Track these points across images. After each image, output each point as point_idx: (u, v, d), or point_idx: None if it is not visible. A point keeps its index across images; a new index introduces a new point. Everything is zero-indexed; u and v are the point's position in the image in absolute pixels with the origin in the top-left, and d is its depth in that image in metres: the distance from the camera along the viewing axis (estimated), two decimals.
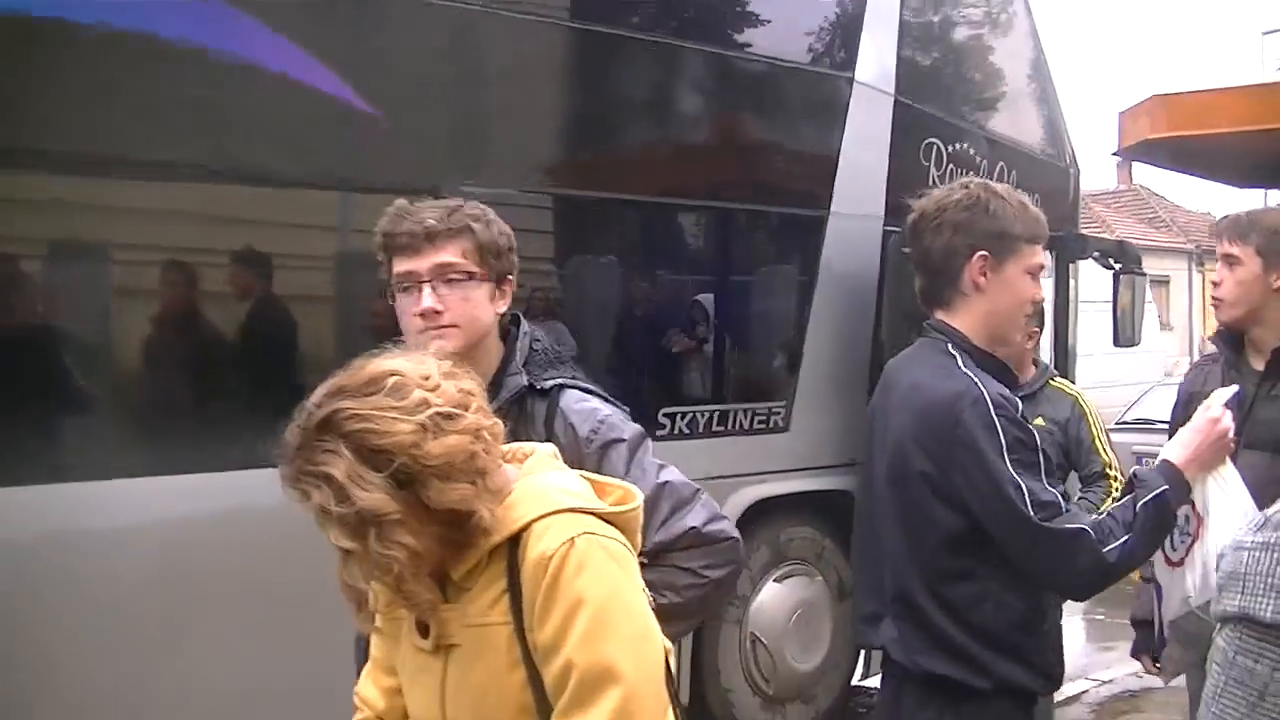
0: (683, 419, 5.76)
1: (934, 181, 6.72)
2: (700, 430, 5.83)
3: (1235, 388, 3.08)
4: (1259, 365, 3.59)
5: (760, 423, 6.08)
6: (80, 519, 4.06)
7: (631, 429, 2.69)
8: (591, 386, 2.76)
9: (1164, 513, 2.77)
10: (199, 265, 4.50)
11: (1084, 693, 7.48)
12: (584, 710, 1.89)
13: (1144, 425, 11.60)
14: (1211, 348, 3.95)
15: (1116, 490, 4.59)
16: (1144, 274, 8.39)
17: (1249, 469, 3.07)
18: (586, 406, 2.67)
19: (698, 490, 2.70)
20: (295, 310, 4.73)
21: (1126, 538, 2.71)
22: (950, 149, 6.94)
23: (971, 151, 7.11)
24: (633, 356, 5.86)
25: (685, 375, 6.04)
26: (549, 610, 1.92)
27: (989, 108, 7.70)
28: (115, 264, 4.44)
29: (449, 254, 2.59)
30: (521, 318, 2.80)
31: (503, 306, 2.71)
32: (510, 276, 2.69)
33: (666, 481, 2.64)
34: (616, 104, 5.89)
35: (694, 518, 2.62)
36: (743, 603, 6.13)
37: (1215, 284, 3.64)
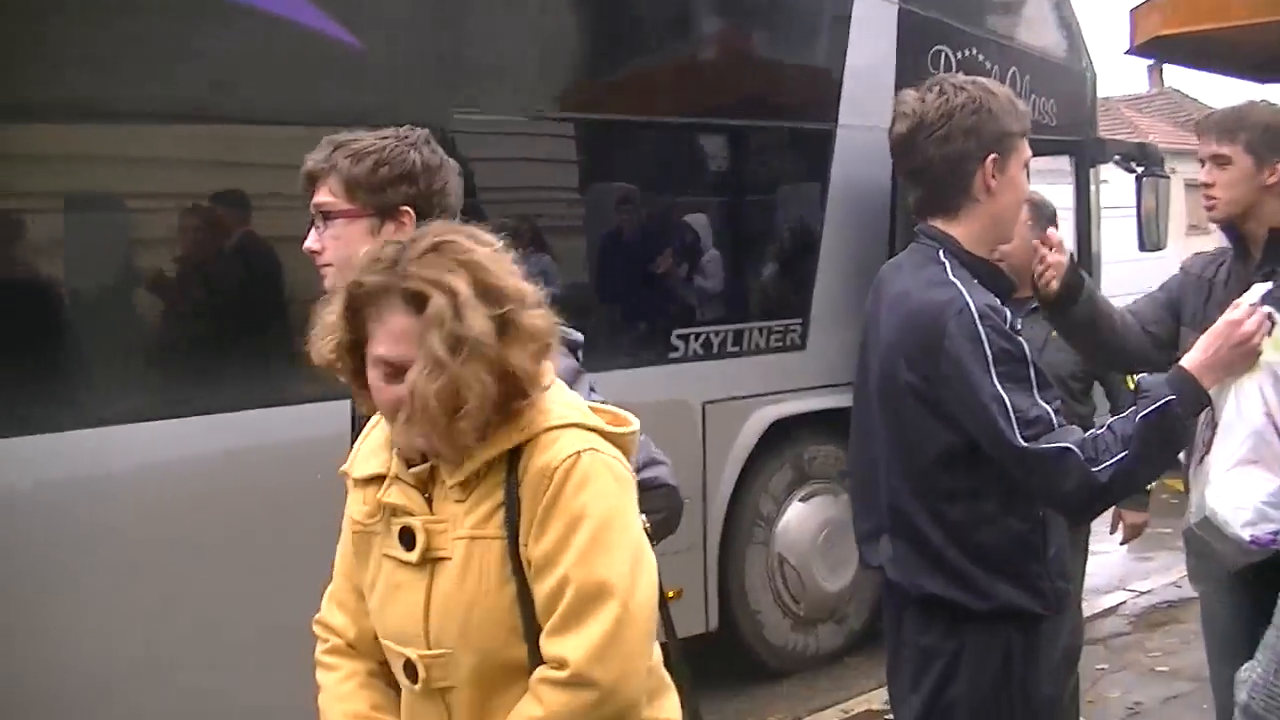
0: (696, 340, 5.69)
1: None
2: (715, 351, 5.76)
3: (1267, 286, 2.89)
4: (1256, 254, 3.48)
5: (777, 341, 6.00)
6: None
7: (566, 364, 2.49)
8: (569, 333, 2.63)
9: (1169, 424, 2.59)
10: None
11: (1121, 604, 7.36)
12: (578, 625, 1.85)
13: None
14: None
15: None
16: (1167, 176, 8.21)
17: None
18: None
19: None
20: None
21: (1123, 454, 2.54)
22: (959, 55, 6.79)
23: (981, 57, 6.94)
24: (642, 279, 5.76)
25: (697, 296, 5.94)
26: (548, 523, 1.88)
27: (999, 11, 7.52)
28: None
29: (321, 193, 2.58)
30: None
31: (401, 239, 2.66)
32: (404, 207, 2.55)
33: None
34: (617, 23, 5.77)
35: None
36: (768, 523, 6.07)
37: (1206, 185, 3.47)
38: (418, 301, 1.86)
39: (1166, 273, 3.72)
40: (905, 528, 2.78)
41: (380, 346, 1.90)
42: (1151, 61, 11.05)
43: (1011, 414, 2.54)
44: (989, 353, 2.57)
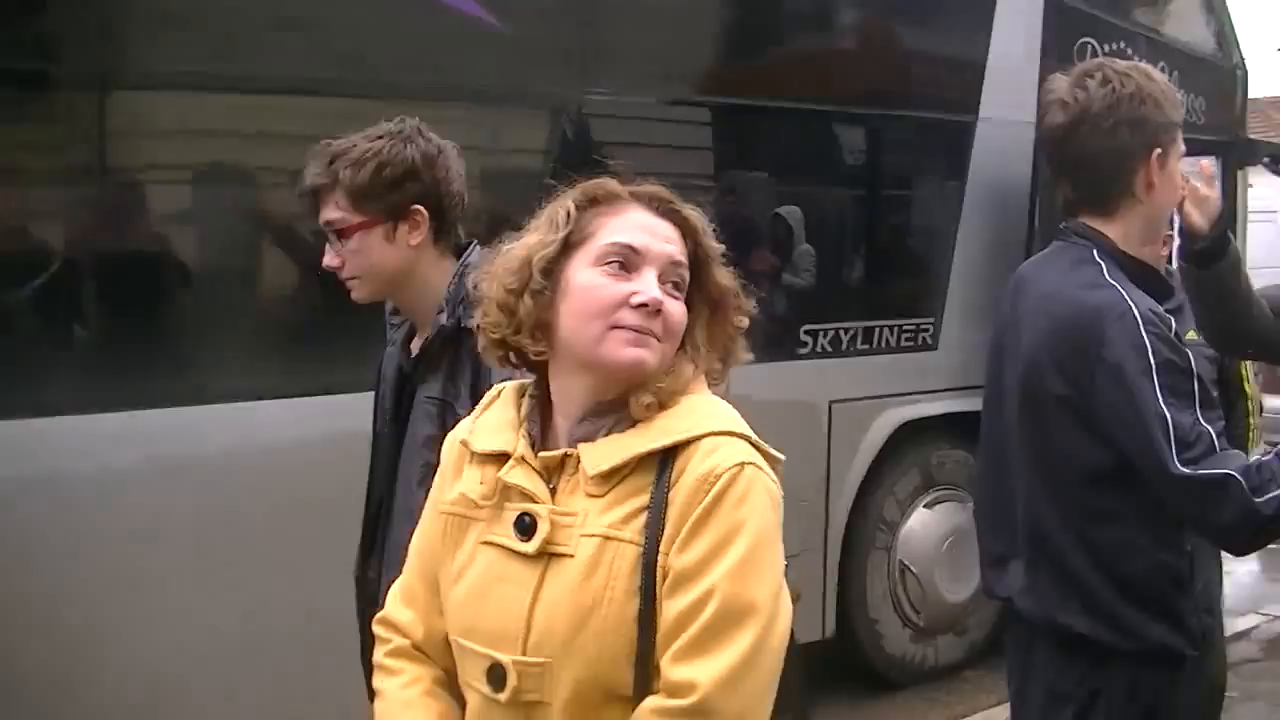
0: (825, 336, 5.50)
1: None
2: (844, 348, 5.57)
3: None
4: None
5: (908, 340, 5.80)
6: None
7: None
8: None
9: None
10: None
11: (1254, 628, 7.04)
12: (715, 646, 1.66)
13: None
14: None
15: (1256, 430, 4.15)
16: None
17: None
18: None
19: None
20: None
21: None
22: (1106, 49, 6.51)
23: (1130, 51, 6.65)
24: (772, 271, 5.58)
25: (828, 291, 5.74)
26: (701, 531, 1.70)
27: (1148, 4, 7.23)
28: None
29: (328, 211, 2.55)
30: (474, 244, 2.65)
31: (415, 239, 2.57)
32: (415, 205, 2.54)
33: None
34: (755, 7, 5.62)
35: None
36: (891, 529, 5.87)
37: None
38: (680, 219, 1.86)
39: None
40: (1044, 555, 2.55)
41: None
42: None
43: (1172, 433, 2.31)
44: (1153, 363, 2.35)
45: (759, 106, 5.46)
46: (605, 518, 1.74)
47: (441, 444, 2.48)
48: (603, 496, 1.75)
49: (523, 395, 1.89)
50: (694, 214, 1.87)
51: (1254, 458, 2.36)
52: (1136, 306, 2.40)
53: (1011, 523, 2.64)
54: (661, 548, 1.70)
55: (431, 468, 2.48)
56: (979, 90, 6.03)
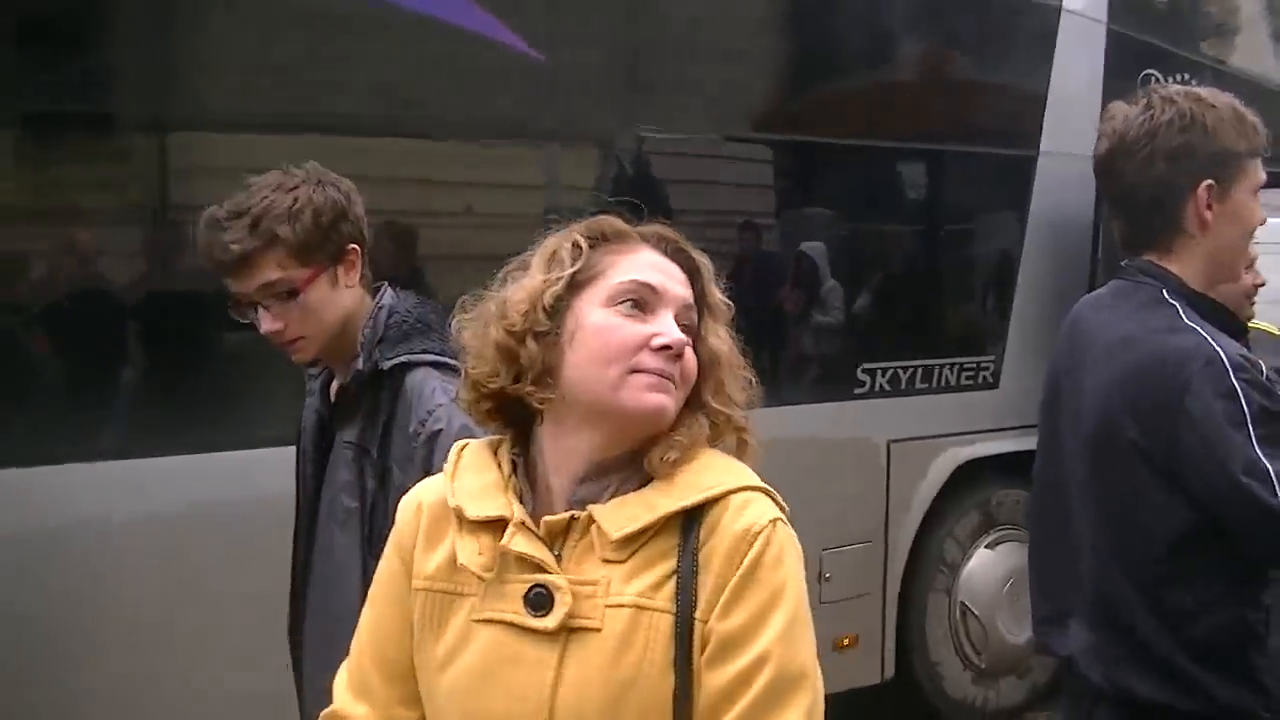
0: (883, 375, 5.43)
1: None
2: (903, 388, 5.49)
3: None
4: None
5: (968, 379, 5.71)
6: None
7: (459, 421, 2.26)
8: (448, 360, 2.38)
9: None
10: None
11: None
12: (773, 712, 1.55)
13: None
14: None
15: None
16: None
17: None
18: (425, 390, 2.40)
19: None
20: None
21: None
22: (1170, 80, 6.38)
23: (1195, 83, 6.52)
24: (828, 309, 5.52)
25: (885, 329, 5.68)
26: (744, 594, 1.58)
27: (1215, 34, 7.09)
28: None
29: (267, 273, 2.40)
30: (386, 286, 2.59)
31: (353, 279, 2.51)
32: (351, 245, 2.48)
33: None
34: (812, 43, 5.57)
35: None
36: (952, 570, 5.78)
37: None
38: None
39: None
40: (1110, 614, 2.41)
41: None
42: None
43: (1276, 485, 2.17)
44: (1247, 412, 2.19)
45: (816, 143, 5.43)
46: (632, 585, 1.59)
47: (360, 489, 2.47)
48: (624, 562, 1.60)
49: (495, 453, 1.73)
50: (702, 257, 1.77)
51: None
52: (1224, 351, 2.25)
53: (1070, 578, 2.52)
54: (698, 615, 1.57)
55: (351, 512, 2.48)
56: (1040, 124, 5.95)
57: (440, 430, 2.33)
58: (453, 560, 1.66)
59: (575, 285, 1.68)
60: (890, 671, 5.54)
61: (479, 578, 1.63)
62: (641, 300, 1.66)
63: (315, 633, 2.60)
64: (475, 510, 1.65)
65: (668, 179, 5.04)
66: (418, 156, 4.47)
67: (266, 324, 2.43)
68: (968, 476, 5.71)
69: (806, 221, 5.54)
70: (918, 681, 5.73)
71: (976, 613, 5.80)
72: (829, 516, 5.24)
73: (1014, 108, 6.01)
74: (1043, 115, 5.95)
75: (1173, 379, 2.26)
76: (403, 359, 2.45)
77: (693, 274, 1.74)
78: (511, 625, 1.60)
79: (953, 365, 5.66)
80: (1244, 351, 2.29)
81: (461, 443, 1.78)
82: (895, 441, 5.46)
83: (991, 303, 5.93)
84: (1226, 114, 2.40)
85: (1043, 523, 2.70)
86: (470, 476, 1.70)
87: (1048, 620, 2.64)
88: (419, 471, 2.24)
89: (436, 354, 2.44)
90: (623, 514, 1.60)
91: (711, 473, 1.65)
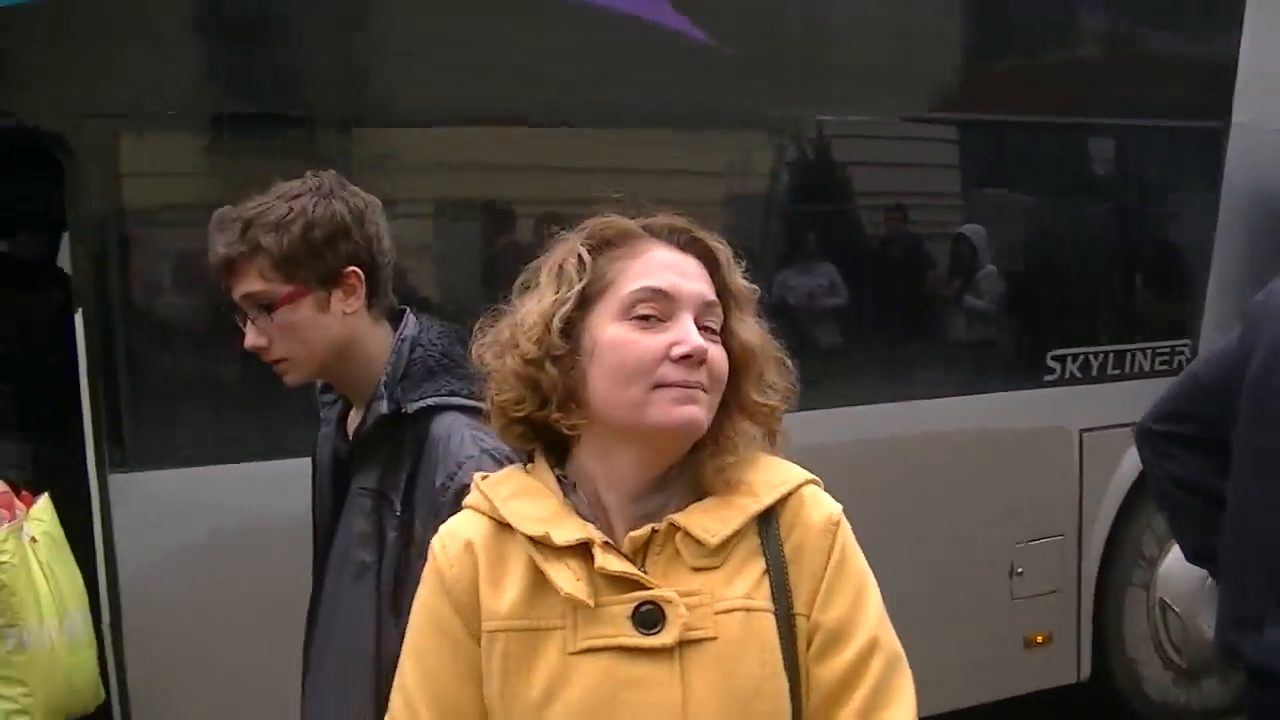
0: (1074, 362, 5.23)
1: None
2: (1095, 374, 5.29)
3: None
4: None
5: (1163, 364, 5.45)
6: None
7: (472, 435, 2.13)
8: (474, 403, 2.08)
9: None
10: None
11: None
12: (893, 694, 1.57)
13: None
14: None
15: None
16: None
17: None
18: (454, 440, 2.16)
19: None
20: None
21: None
22: None
23: None
24: (1015, 294, 5.34)
25: (1075, 313, 5.47)
26: (839, 584, 1.59)
27: None
28: None
29: (250, 282, 2.22)
30: (409, 314, 2.34)
31: (351, 305, 2.25)
32: (351, 268, 2.23)
33: None
34: (987, 19, 5.42)
35: None
36: (1150, 565, 5.52)
37: None
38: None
39: None
40: None
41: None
42: None
43: None
44: None
45: (1006, 123, 5.28)
46: (734, 589, 1.56)
47: (377, 542, 2.22)
48: (718, 569, 1.56)
49: (529, 476, 1.65)
50: (719, 244, 1.67)
51: None
52: None
53: (1269, 577, 2.36)
54: (799, 609, 1.57)
55: (366, 567, 2.24)
56: (1230, 93, 5.67)
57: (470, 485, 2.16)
58: (528, 596, 1.56)
59: (586, 300, 1.60)
60: (1086, 671, 5.33)
61: (580, 605, 1.53)
62: (657, 307, 1.58)
63: (314, 687, 2.41)
64: (562, 536, 1.55)
65: (838, 163, 4.94)
66: (590, 146, 4.42)
67: (249, 337, 2.27)
68: None
69: (991, 203, 5.38)
70: (1115, 682, 5.50)
71: (1177, 609, 5.53)
72: (1020, 510, 5.09)
73: (1202, 77, 5.76)
74: (1233, 85, 5.67)
75: None
76: (429, 402, 2.22)
77: (711, 264, 1.65)
78: (620, 650, 1.53)
79: (1146, 350, 5.43)
80: None
81: (482, 475, 1.70)
82: (1088, 431, 5.24)
83: (1186, 284, 5.66)
84: None
85: (1241, 512, 2.48)
86: (525, 504, 1.61)
87: (1238, 622, 2.47)
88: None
89: (465, 396, 2.18)
90: (710, 519, 1.57)
91: (772, 470, 1.64)
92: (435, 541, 1.64)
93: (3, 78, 3.67)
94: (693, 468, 1.61)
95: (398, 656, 1.66)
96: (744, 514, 1.57)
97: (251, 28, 3.97)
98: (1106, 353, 5.33)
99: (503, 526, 1.60)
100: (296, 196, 2.22)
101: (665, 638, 1.52)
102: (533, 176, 4.34)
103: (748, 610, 1.55)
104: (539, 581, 1.55)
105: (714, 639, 1.53)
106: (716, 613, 1.54)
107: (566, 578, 1.53)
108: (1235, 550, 2.51)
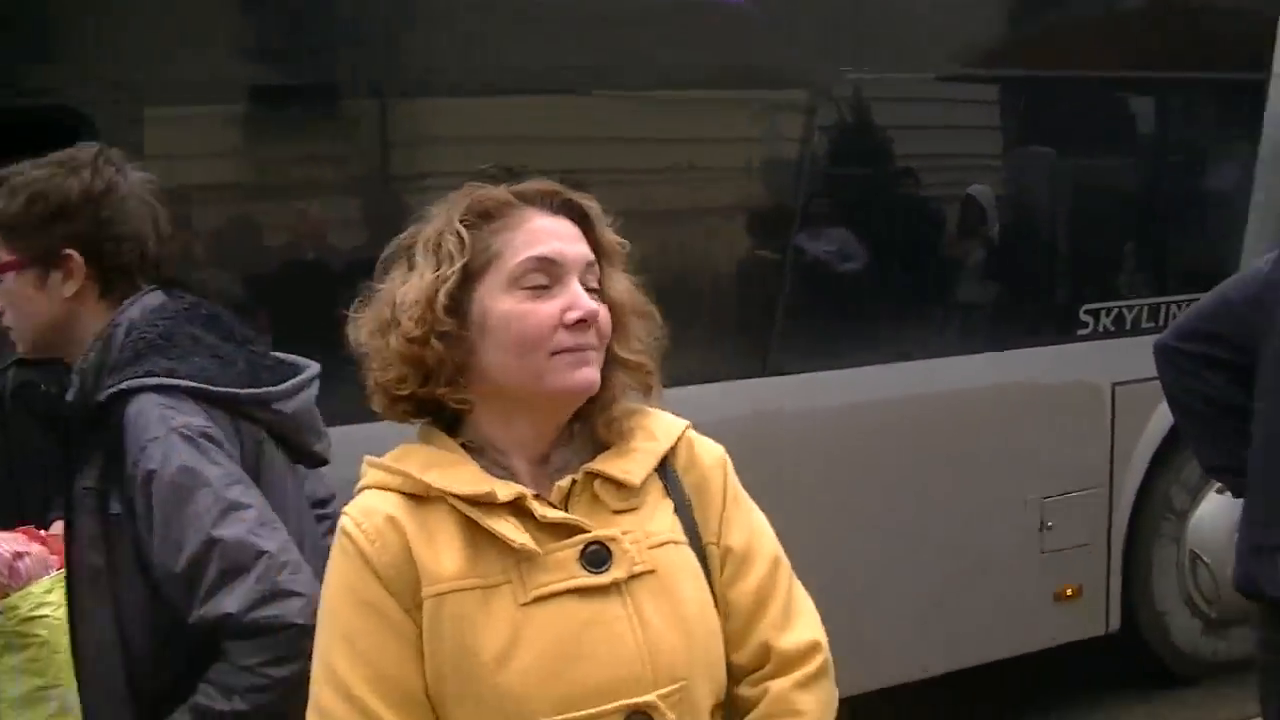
0: (1108, 316, 5.24)
1: None
2: (1128, 328, 5.29)
3: None
4: None
5: None
6: None
7: (179, 460, 2.00)
8: (172, 381, 2.05)
9: None
10: None
11: None
12: (798, 600, 1.75)
13: None
14: None
15: None
16: None
17: None
18: (140, 422, 2.03)
19: (264, 554, 1.99)
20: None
21: None
22: None
23: None
24: (1048, 247, 5.34)
25: (1108, 267, 5.46)
26: (738, 514, 1.75)
27: None
28: None
29: None
30: (145, 295, 2.20)
31: (69, 289, 2.16)
32: (68, 251, 2.13)
33: (219, 539, 1.97)
34: None
35: (236, 599, 1.96)
36: (1180, 518, 5.53)
37: None
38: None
39: None
40: None
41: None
42: None
43: None
44: None
45: (1037, 78, 5.26)
46: (654, 525, 1.66)
47: (107, 542, 2.10)
48: (636, 510, 1.66)
49: (431, 449, 1.65)
50: (590, 202, 1.71)
51: None
52: None
53: None
54: (708, 539, 1.70)
55: (98, 571, 2.10)
56: (1272, 45, 5.59)
57: (154, 471, 2.01)
58: (469, 556, 1.58)
59: (470, 275, 1.62)
60: (1116, 623, 5.37)
61: (526, 557, 1.58)
62: (546, 275, 1.62)
63: None
64: (504, 494, 1.60)
65: (884, 123, 4.95)
66: (613, 109, 4.43)
67: None
68: None
69: (1025, 161, 5.35)
70: (1143, 633, 5.55)
71: (1207, 560, 5.52)
72: (1051, 464, 5.12)
73: (1241, 30, 5.65)
74: (1275, 35, 5.59)
75: None
76: (120, 387, 2.07)
77: (583, 222, 1.69)
78: (573, 592, 1.59)
79: (1180, 303, 5.37)
80: None
81: (405, 447, 1.68)
82: (1120, 384, 5.24)
83: (1219, 237, 5.61)
84: None
85: (1268, 443, 2.51)
86: (444, 472, 1.62)
87: (1256, 550, 2.51)
88: (144, 523, 2.01)
89: (164, 373, 2.06)
90: (624, 463, 1.67)
91: (656, 418, 1.75)
92: (347, 524, 1.62)
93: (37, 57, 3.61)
94: (589, 423, 1.69)
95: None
96: (653, 454, 1.69)
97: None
98: (1140, 306, 5.32)
99: (414, 498, 1.61)
100: (47, 165, 2.16)
101: (616, 573, 1.60)
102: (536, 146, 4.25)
103: (675, 543, 1.66)
104: (473, 542, 1.59)
105: (653, 572, 1.62)
106: (649, 547, 1.63)
107: (513, 531, 1.58)
108: (1265, 473, 2.54)
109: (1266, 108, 5.52)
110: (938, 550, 4.76)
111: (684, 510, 1.69)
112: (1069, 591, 5.19)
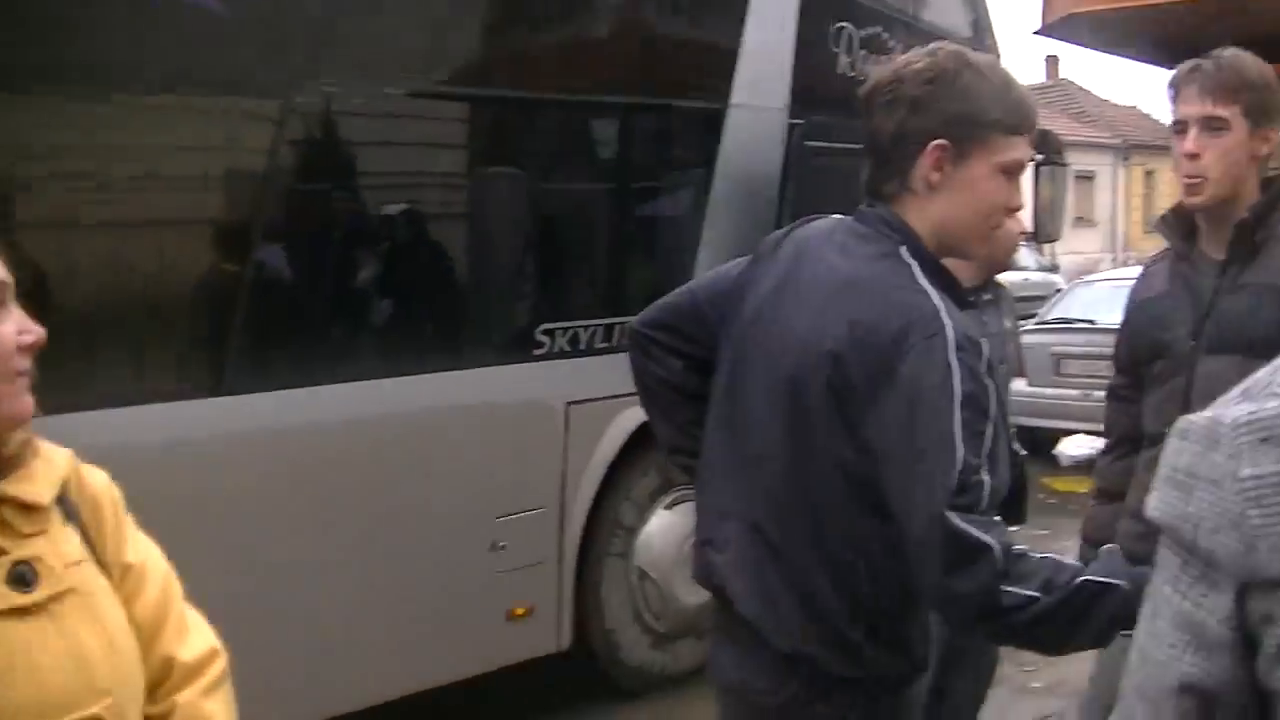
0: (564, 336, 5.24)
1: (844, 70, 6.23)
2: (583, 347, 5.30)
3: None
4: (1217, 254, 2.96)
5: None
6: None
7: None
8: None
9: (1101, 608, 2.06)
10: None
11: None
12: (187, 612, 1.86)
13: (1063, 325, 10.93)
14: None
15: None
16: (1065, 164, 7.92)
17: (1214, 379, 2.49)
18: None
19: None
20: None
21: (1037, 596, 2.03)
22: (864, 33, 6.39)
23: (885, 35, 6.58)
24: (508, 267, 5.28)
25: (567, 286, 5.50)
26: (131, 534, 1.83)
27: None
28: None
29: None
30: None
31: None
32: None
33: None
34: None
35: None
36: (629, 534, 5.66)
37: (1190, 155, 2.90)
38: None
39: None
40: (762, 541, 2.34)
41: None
42: (1060, 41, 10.58)
43: (955, 470, 2.02)
44: (957, 392, 2.05)
45: (496, 98, 5.15)
46: (62, 546, 1.67)
47: None
48: (44, 533, 1.65)
49: None
50: None
51: (1022, 546, 2.08)
52: (952, 326, 2.10)
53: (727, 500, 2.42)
54: (109, 559, 1.75)
55: None
56: (730, 76, 5.81)
57: None
58: None
59: None
60: (567, 640, 5.39)
61: None
62: None
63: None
64: None
65: (349, 139, 4.70)
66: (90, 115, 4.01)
67: None
68: (647, 438, 5.54)
69: (490, 178, 5.23)
70: (593, 648, 5.61)
71: (654, 576, 5.69)
72: (505, 483, 5.06)
73: (705, 60, 5.87)
74: (734, 68, 5.81)
75: (892, 340, 2.11)
76: None
77: None
78: (3, 614, 1.57)
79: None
80: (970, 331, 2.15)
81: None
82: (574, 403, 5.27)
83: (676, 260, 5.76)
84: (991, 80, 2.23)
85: (719, 433, 2.50)
86: None
87: (704, 542, 2.50)
88: None
89: None
90: (32, 486, 1.64)
91: (43, 443, 1.72)
92: None
93: None
94: None
95: None
96: (57, 474, 1.69)
97: None
98: (596, 327, 5.34)
99: None
100: None
101: (44, 592, 1.60)
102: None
103: (87, 562, 1.70)
104: None
105: (73, 590, 1.64)
106: (67, 566, 1.65)
107: None
108: (701, 467, 2.63)
109: (722, 139, 5.77)
110: (393, 572, 4.61)
111: (84, 532, 1.72)
112: (520, 611, 5.16)
